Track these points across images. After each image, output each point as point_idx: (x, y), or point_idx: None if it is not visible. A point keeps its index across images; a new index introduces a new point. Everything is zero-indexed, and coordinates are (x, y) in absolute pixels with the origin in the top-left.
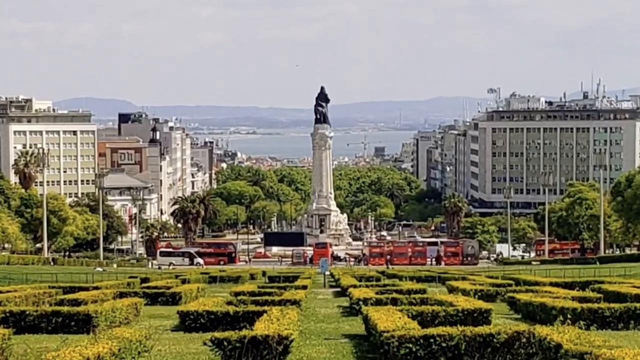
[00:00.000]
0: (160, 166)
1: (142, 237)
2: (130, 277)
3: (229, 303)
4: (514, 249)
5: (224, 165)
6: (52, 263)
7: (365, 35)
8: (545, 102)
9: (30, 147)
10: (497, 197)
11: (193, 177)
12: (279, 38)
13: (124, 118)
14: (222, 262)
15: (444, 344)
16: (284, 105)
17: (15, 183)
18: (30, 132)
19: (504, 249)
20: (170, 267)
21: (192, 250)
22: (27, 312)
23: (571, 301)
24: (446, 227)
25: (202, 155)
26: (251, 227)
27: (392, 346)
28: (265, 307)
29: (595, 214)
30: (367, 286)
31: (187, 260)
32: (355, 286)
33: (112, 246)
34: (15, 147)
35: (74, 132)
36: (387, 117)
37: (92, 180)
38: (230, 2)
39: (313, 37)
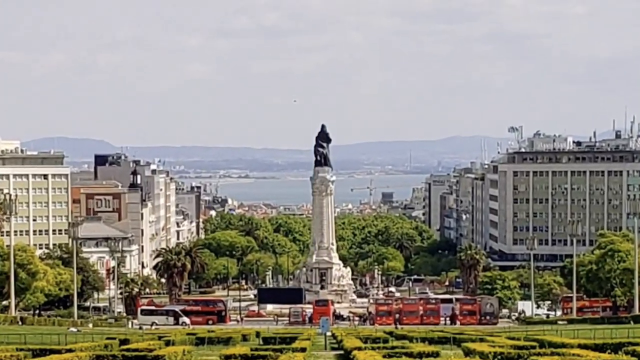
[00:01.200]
0: (142, 214)
1: (121, 293)
2: (107, 339)
3: None
4: (538, 306)
5: (213, 213)
6: (20, 323)
7: (372, 67)
8: (573, 142)
9: None
10: (519, 248)
11: (178, 226)
12: (275, 71)
13: (100, 160)
14: (210, 322)
15: None
16: (280, 145)
17: None
18: None
19: (527, 307)
20: (153, 327)
21: (177, 308)
22: None
23: None
24: (462, 282)
25: (189, 201)
26: (243, 282)
27: None
28: None
29: (629, 267)
30: (373, 348)
31: (171, 319)
32: (360, 348)
33: (87, 304)
34: None
35: (45, 176)
36: (395, 159)
37: (65, 230)
38: (220, 30)
39: (313, 69)
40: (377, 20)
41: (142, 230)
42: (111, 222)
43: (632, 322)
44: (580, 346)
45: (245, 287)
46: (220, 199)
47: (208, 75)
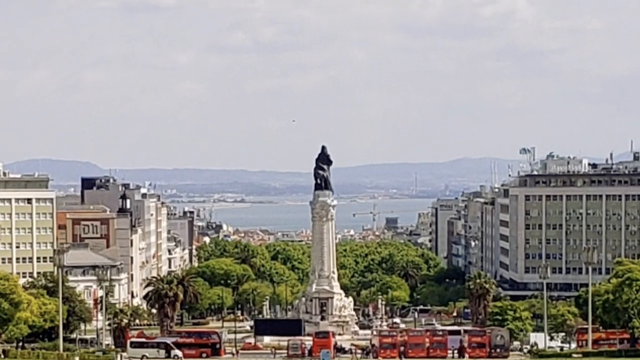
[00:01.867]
0: (131, 240)
1: (109, 324)
2: None
3: None
4: (552, 339)
5: (207, 239)
6: (2, 356)
7: (375, 85)
8: (589, 164)
9: None
10: (531, 277)
11: (170, 253)
12: (272, 89)
13: (87, 183)
14: (204, 355)
15: None
16: (278, 168)
17: None
18: None
19: (540, 339)
20: None
21: (169, 340)
22: None
23: None
24: (470, 313)
25: (181, 227)
26: (239, 313)
27: None
28: None
29: None
30: None
31: (162, 352)
32: None
33: (73, 335)
34: None
35: (29, 200)
36: (400, 182)
37: (50, 258)
38: (213, 46)
39: (312, 88)
40: (381, 36)
41: (132, 258)
42: (99, 249)
43: None
44: None
45: (240, 318)
46: (214, 225)
47: (201, 94)
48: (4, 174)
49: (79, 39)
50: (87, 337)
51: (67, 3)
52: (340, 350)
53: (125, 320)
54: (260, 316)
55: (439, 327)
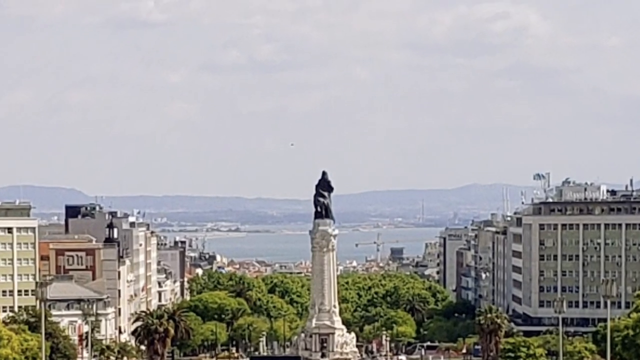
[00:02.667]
0: (119, 272)
1: None
2: None
3: None
4: None
5: (200, 271)
6: None
7: (379, 106)
8: (607, 191)
9: None
10: (545, 311)
11: (160, 286)
12: (269, 110)
13: (72, 211)
14: None
15: None
16: (275, 195)
17: None
18: None
19: None
20: None
21: None
22: None
23: None
24: (481, 349)
25: (172, 258)
26: (234, 349)
27: None
28: None
29: None
30: None
31: None
32: None
33: None
34: None
35: (9, 230)
36: (406, 210)
37: (32, 291)
38: (206, 65)
39: (312, 109)
40: (385, 53)
41: (119, 291)
42: (84, 281)
43: None
44: None
45: (235, 355)
46: (207, 256)
47: (193, 116)
48: None
49: (62, 57)
50: None
51: (49, 19)
52: None
53: (113, 358)
54: (257, 353)
55: None
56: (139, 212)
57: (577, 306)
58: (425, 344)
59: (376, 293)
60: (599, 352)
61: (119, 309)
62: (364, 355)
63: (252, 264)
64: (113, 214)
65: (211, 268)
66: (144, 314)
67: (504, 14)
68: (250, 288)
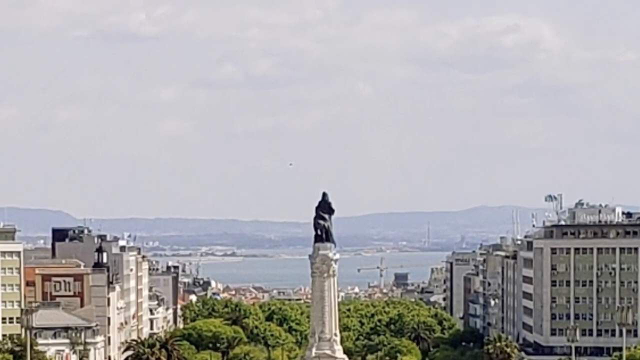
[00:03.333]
0: (108, 299)
1: None
2: None
3: None
4: None
5: (194, 297)
6: None
7: (383, 125)
8: (623, 213)
9: None
10: (558, 340)
11: (152, 313)
12: (266, 128)
13: (59, 235)
14: None
15: None
16: (273, 217)
17: None
18: None
19: None
20: None
21: None
22: None
23: None
24: None
25: (164, 284)
26: None
27: None
28: None
29: None
30: None
31: None
32: None
33: None
34: None
35: None
36: (411, 233)
37: (18, 318)
38: (200, 81)
39: (312, 127)
40: (389, 68)
41: (109, 319)
42: (72, 308)
43: None
44: None
45: None
46: (202, 281)
47: (186, 134)
48: None
49: (49, 73)
50: None
51: (35, 33)
52: None
53: None
54: None
55: None
56: (129, 236)
57: (590, 334)
58: None
59: (379, 321)
60: None
61: (109, 338)
62: None
63: (248, 290)
64: (102, 238)
65: (206, 294)
66: (134, 342)
67: (515, 27)
68: (247, 315)
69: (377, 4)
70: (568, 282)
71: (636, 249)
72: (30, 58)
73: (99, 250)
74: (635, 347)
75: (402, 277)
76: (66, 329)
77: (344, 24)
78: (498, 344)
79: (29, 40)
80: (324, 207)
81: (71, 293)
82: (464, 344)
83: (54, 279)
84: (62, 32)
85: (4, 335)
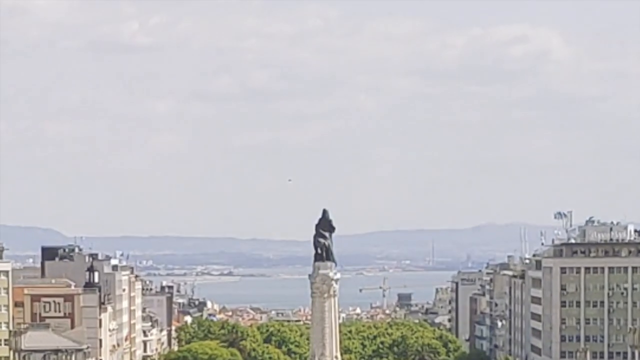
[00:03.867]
0: (100, 320)
1: None
2: None
3: None
4: None
5: (189, 319)
6: None
7: (385, 139)
8: (635, 231)
9: None
10: None
11: (145, 335)
12: (264, 143)
13: (49, 253)
14: None
15: None
16: (272, 236)
17: None
18: None
19: None
20: None
21: None
22: None
23: None
24: None
25: (158, 305)
26: None
27: None
28: None
29: None
30: None
31: None
32: None
33: None
34: None
35: None
36: (415, 252)
37: (6, 340)
38: (196, 93)
39: (312, 142)
40: (393, 81)
41: (101, 341)
42: (62, 330)
43: None
44: None
45: None
46: (197, 302)
47: (181, 149)
48: None
49: (38, 85)
50: None
51: (23, 43)
52: None
53: None
54: None
55: None
56: (122, 255)
57: (602, 357)
58: None
59: (382, 343)
60: None
61: None
62: None
63: (246, 310)
64: (94, 257)
65: (201, 315)
66: None
67: (523, 38)
68: (244, 337)
69: (379, 13)
70: (578, 303)
71: None
72: (18, 69)
73: (90, 269)
74: None
75: (405, 297)
76: (56, 351)
77: (346, 34)
78: None
79: (17, 51)
80: (325, 225)
81: (61, 314)
82: None
83: (43, 299)
84: (52, 43)
85: None
